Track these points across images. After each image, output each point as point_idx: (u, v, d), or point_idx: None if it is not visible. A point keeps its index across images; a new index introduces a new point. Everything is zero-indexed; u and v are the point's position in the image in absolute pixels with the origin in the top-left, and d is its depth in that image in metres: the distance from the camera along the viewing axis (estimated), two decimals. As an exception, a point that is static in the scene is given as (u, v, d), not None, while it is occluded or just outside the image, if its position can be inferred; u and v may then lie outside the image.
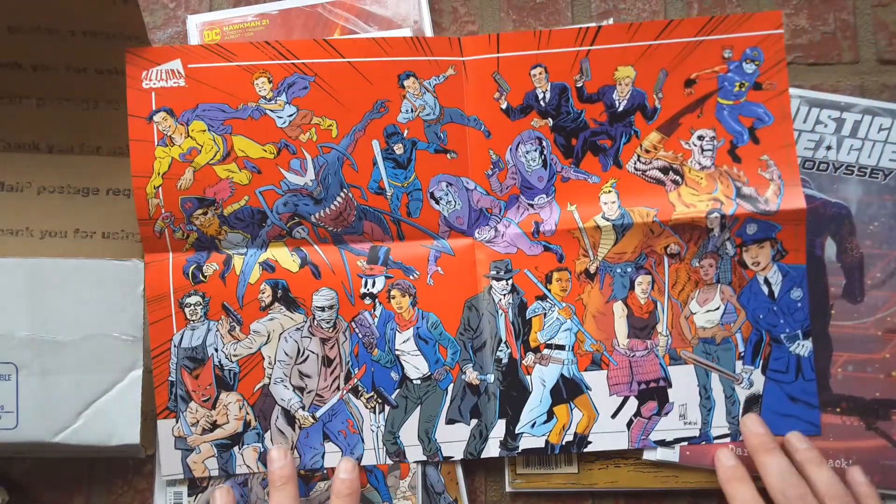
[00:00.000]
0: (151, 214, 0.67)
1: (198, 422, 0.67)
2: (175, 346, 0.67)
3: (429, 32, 0.74)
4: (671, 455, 0.68)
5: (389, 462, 0.67)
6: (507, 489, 0.70)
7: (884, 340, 0.69)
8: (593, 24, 0.71)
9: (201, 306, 0.67)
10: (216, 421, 0.67)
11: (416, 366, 0.68)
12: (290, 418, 0.68)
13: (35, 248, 0.71)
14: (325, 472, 0.68)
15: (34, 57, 0.67)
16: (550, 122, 0.70)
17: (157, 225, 0.67)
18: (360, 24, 0.74)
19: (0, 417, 0.62)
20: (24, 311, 0.63)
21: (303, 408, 0.68)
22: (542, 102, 0.69)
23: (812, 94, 0.71)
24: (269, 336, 0.68)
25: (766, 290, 0.68)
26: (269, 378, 0.68)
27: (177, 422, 0.67)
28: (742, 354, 0.68)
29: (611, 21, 0.75)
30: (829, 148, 0.70)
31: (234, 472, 0.67)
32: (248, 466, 0.67)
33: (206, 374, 0.67)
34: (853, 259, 0.70)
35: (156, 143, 0.67)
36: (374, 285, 0.69)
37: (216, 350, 0.67)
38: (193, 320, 0.67)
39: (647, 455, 0.68)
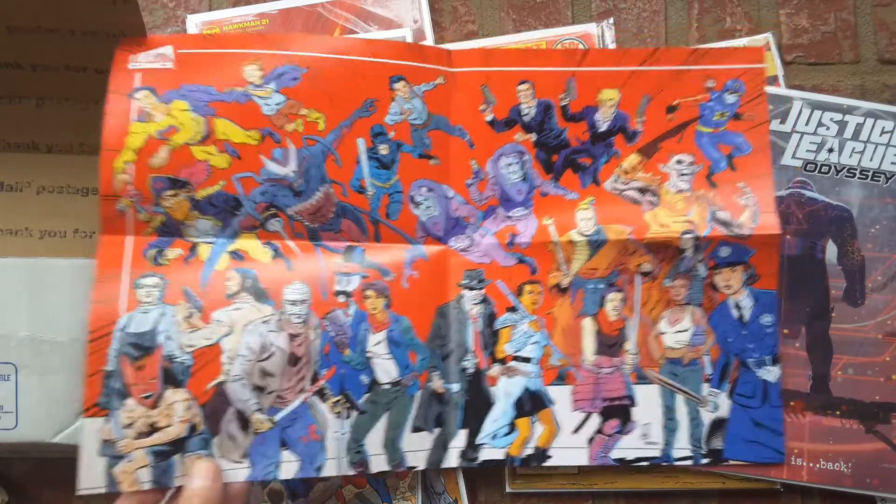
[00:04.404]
0: (116, 190, 0.62)
1: (133, 423, 0.60)
2: (119, 329, 0.61)
3: (429, 32, 0.75)
4: None
5: (352, 473, 0.64)
6: (508, 489, 0.69)
7: (884, 344, 0.70)
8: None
9: (158, 288, 0.62)
10: (156, 423, 0.60)
11: (386, 370, 0.66)
12: (244, 422, 0.62)
13: (34, 247, 0.70)
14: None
15: (34, 57, 0.66)
16: (534, 137, 0.71)
17: (120, 203, 0.63)
18: (360, 24, 0.75)
19: (0, 417, 0.62)
20: (24, 311, 0.62)
21: (260, 410, 0.63)
22: (525, 118, 0.71)
23: (814, 97, 0.73)
24: (231, 327, 0.63)
25: (736, 314, 0.68)
26: (227, 375, 0.62)
27: (107, 421, 0.60)
28: (710, 377, 0.68)
29: (611, 20, 0.77)
30: (830, 150, 0.72)
31: (172, 485, 0.60)
32: None
33: (152, 365, 0.61)
34: (854, 262, 0.71)
35: (133, 119, 0.63)
36: (348, 283, 0.67)
37: (168, 338, 0.62)
38: (147, 303, 0.62)
39: None
